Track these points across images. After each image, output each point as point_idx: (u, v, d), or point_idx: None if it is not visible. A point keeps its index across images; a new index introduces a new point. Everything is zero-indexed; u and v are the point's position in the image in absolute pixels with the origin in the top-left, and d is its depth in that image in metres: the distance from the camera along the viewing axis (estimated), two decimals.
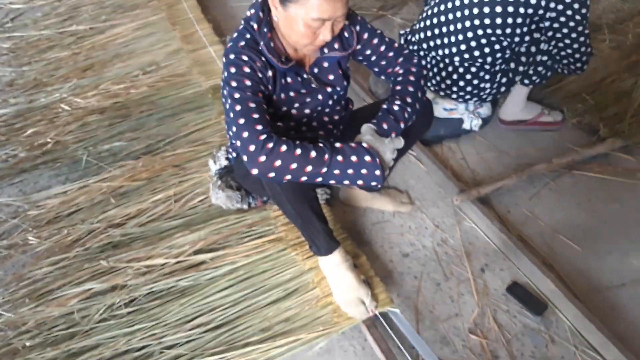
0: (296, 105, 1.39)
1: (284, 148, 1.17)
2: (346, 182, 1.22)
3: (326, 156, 1.19)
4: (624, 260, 1.68)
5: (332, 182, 1.22)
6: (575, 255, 1.70)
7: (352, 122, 1.54)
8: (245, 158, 1.18)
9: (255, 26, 1.26)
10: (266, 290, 1.48)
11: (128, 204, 1.72)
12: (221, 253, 1.56)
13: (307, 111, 1.41)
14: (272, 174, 1.18)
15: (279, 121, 1.38)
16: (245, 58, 1.26)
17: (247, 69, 1.26)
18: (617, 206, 1.85)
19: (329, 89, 1.41)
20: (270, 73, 1.30)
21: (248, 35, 1.28)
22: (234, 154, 1.59)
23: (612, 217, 1.82)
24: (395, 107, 1.33)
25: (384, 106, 1.34)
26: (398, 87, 1.38)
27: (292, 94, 1.38)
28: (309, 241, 1.45)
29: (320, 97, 1.41)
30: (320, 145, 1.21)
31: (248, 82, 1.25)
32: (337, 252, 1.44)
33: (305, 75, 1.38)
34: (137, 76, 2.29)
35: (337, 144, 1.22)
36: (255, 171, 1.17)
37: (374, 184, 1.23)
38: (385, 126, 1.30)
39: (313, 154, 1.18)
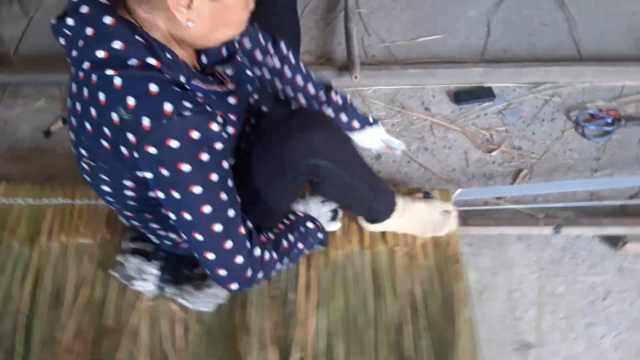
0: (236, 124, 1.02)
1: (267, 256, 1.01)
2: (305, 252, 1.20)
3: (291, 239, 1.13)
4: None
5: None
6: None
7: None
8: (222, 273, 0.93)
9: (154, 62, 0.79)
10: None
11: None
12: None
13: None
14: (248, 286, 1.00)
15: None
16: (196, 132, 0.80)
17: (214, 127, 0.83)
18: None
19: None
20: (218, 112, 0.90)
21: (155, 86, 0.79)
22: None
23: None
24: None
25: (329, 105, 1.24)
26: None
27: (231, 115, 0.99)
28: (376, 210, 1.27)
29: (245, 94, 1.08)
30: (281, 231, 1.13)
31: (219, 145, 0.85)
32: (397, 197, 1.29)
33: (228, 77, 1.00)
34: None
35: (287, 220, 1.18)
36: (234, 287, 0.97)
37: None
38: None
39: (285, 244, 1.10)
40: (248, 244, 0.95)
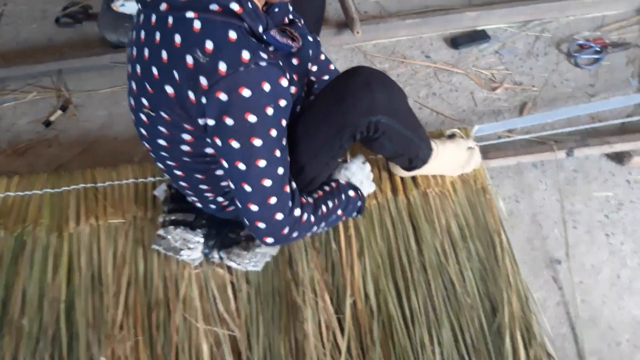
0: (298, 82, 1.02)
1: (305, 217, 1.04)
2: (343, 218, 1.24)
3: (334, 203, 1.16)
4: None
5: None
6: None
7: None
8: (261, 225, 0.97)
9: (237, 8, 0.80)
10: None
11: None
12: None
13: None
14: (282, 243, 1.06)
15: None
16: (268, 85, 0.82)
17: (283, 82, 0.85)
18: None
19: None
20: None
21: (235, 33, 0.80)
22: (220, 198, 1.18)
23: None
24: None
25: None
26: None
27: (294, 75, 0.99)
28: (419, 158, 1.28)
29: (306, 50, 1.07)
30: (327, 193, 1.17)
31: (283, 102, 0.87)
32: (432, 141, 1.31)
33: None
34: None
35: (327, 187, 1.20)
36: (269, 240, 1.02)
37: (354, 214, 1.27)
38: None
39: (324, 209, 1.12)
40: (290, 203, 0.98)
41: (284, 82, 0.85)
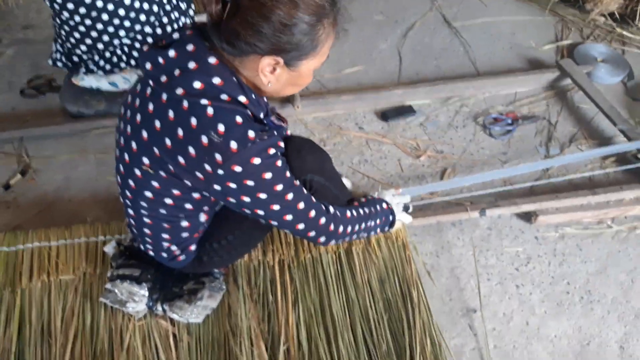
0: None
1: (340, 213, 1.25)
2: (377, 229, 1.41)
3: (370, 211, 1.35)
4: None
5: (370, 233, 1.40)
6: None
7: None
8: (312, 234, 1.20)
9: (244, 100, 0.99)
10: None
11: None
12: None
13: None
14: (331, 239, 1.25)
15: None
16: (272, 149, 1.04)
17: (282, 144, 1.12)
18: None
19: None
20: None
21: (240, 118, 0.98)
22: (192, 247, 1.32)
23: None
24: None
25: None
26: None
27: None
28: (387, 227, 1.44)
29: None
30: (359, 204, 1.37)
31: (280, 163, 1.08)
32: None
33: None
34: None
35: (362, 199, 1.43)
36: (322, 239, 1.23)
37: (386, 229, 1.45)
38: None
39: (361, 212, 1.32)
40: (323, 207, 1.20)
41: (282, 144, 1.11)
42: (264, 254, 1.53)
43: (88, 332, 1.41)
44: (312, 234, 1.20)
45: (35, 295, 1.47)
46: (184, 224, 1.22)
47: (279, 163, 1.05)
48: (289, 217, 1.13)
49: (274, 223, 1.15)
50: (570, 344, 1.45)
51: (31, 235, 1.58)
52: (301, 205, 1.13)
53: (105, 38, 1.82)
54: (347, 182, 1.57)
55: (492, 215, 1.69)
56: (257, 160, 1.00)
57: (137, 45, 1.89)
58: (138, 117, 1.05)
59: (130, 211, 1.23)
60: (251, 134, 0.98)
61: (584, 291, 1.56)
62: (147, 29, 1.86)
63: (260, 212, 1.10)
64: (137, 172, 1.10)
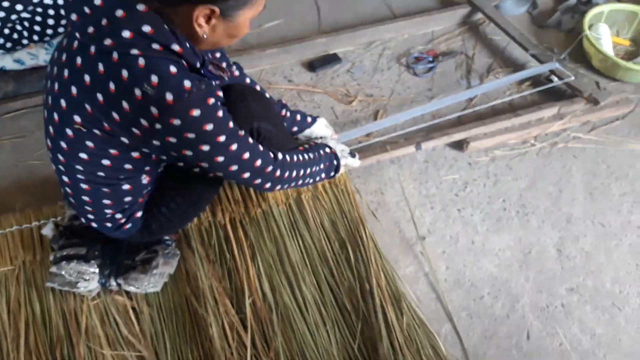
0: None
1: (288, 158, 1.24)
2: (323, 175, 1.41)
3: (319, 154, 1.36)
4: None
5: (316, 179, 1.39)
6: None
7: None
8: (259, 181, 1.18)
9: (177, 48, 0.93)
10: None
11: None
12: None
13: None
14: (278, 184, 1.24)
15: None
16: (212, 99, 0.99)
17: (216, 94, 1.03)
18: None
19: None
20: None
21: (174, 67, 0.93)
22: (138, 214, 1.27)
23: None
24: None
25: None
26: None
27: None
28: (332, 172, 1.45)
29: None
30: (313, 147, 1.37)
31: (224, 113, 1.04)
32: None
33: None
34: None
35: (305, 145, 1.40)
36: (268, 185, 1.21)
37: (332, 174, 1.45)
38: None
39: (306, 157, 1.31)
40: (271, 154, 1.18)
41: (221, 94, 1.04)
42: (213, 215, 1.51)
43: (40, 321, 1.34)
44: (258, 181, 1.19)
45: None
46: (125, 186, 1.16)
47: (220, 113, 1.01)
48: (234, 167, 1.10)
49: (219, 174, 1.13)
50: (514, 255, 1.56)
51: None
52: (246, 155, 1.10)
53: (1, 14, 1.68)
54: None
55: (427, 148, 1.77)
56: (196, 112, 0.95)
57: (39, 18, 1.75)
58: (65, 73, 0.98)
59: (65, 178, 1.16)
60: (187, 84, 0.93)
61: (519, 205, 1.67)
62: (47, 0, 1.73)
63: (205, 165, 1.06)
64: (69, 132, 1.03)
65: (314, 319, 1.34)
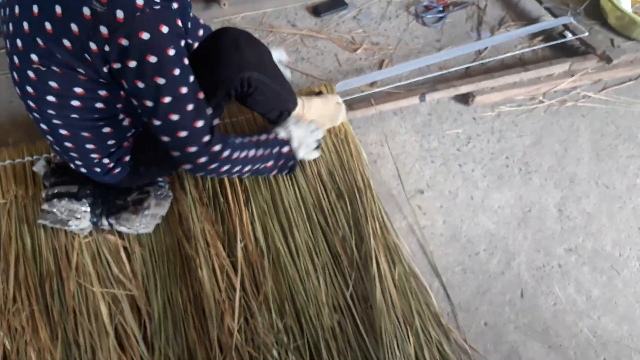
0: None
1: (226, 154, 1.12)
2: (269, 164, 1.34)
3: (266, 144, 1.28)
4: None
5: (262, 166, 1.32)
6: None
7: None
8: (193, 149, 1.06)
9: None
10: None
11: None
12: None
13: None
14: (215, 165, 1.12)
15: None
16: (165, 27, 0.89)
17: (180, 23, 0.93)
18: None
19: None
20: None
21: None
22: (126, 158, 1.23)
23: None
24: None
25: None
26: None
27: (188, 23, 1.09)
28: (289, 108, 1.37)
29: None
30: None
31: (182, 43, 0.94)
32: (297, 97, 1.41)
33: None
34: None
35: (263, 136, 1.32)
36: (187, 167, 1.10)
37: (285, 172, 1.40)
38: None
39: (251, 154, 1.23)
40: (206, 137, 1.06)
41: (180, 24, 0.93)
42: None
43: (30, 255, 1.33)
44: (192, 149, 1.06)
45: None
46: (106, 129, 1.12)
47: (171, 50, 0.91)
48: (156, 122, 0.99)
49: (156, 122, 1.00)
50: (513, 212, 1.53)
51: None
52: (190, 106, 0.99)
53: None
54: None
55: (432, 100, 1.71)
56: (145, 35, 0.86)
57: None
58: (16, 10, 0.93)
59: (44, 126, 1.12)
60: (139, 1, 0.85)
61: (522, 163, 1.63)
62: None
63: (135, 102, 0.98)
64: (31, 74, 0.98)
65: (305, 265, 1.33)
